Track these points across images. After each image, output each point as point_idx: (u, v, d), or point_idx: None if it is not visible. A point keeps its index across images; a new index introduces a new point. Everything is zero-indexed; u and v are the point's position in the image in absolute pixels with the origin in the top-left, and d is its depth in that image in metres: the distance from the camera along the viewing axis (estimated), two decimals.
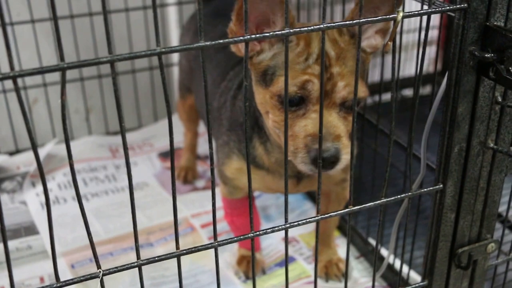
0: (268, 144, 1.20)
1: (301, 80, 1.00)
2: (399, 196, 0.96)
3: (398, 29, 0.88)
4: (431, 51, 2.26)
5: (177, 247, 0.84)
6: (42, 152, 1.94)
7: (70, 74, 2.03)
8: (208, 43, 0.71)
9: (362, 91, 1.05)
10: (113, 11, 1.99)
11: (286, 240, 0.90)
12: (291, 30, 0.76)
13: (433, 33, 2.20)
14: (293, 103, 1.02)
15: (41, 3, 1.92)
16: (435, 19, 2.11)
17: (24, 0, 1.89)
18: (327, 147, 0.99)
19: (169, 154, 2.04)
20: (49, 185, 1.84)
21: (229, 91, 1.31)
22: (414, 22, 2.17)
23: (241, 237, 0.88)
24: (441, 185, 0.98)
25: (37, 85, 1.99)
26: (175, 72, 2.13)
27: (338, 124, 1.02)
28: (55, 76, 1.97)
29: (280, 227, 0.88)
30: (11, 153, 2.03)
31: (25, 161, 1.97)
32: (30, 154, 2.00)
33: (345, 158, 1.01)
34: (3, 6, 1.80)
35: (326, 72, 1.00)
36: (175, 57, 2.16)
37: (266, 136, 1.19)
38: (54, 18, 0.64)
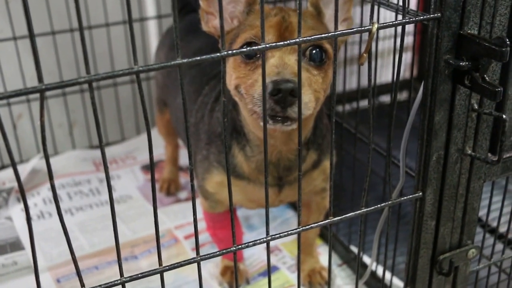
0: (247, 148, 1.17)
1: (257, 30, 1.01)
2: (379, 206, 0.95)
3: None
4: (406, 57, 2.26)
5: (160, 264, 0.82)
6: (27, 167, 1.91)
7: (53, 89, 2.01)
8: (185, 60, 0.69)
9: (324, 42, 1.02)
10: (94, 26, 1.97)
11: (268, 253, 0.88)
12: (267, 45, 0.74)
13: (409, 39, 2.20)
14: (250, 55, 1.01)
15: (24, 20, 1.88)
16: (410, 25, 2.11)
17: (6, 18, 1.85)
18: (284, 79, 0.93)
19: None
20: (34, 200, 1.81)
21: (206, 106, 1.30)
22: (389, 29, 2.17)
23: (224, 251, 0.86)
24: (420, 193, 0.96)
25: (21, 101, 1.96)
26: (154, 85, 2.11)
27: (296, 66, 0.97)
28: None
29: (262, 239, 0.86)
30: None
31: (10, 177, 1.93)
32: None
33: (306, 98, 0.97)
34: None
35: (284, 22, 1.01)
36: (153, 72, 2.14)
37: (245, 140, 1.17)
38: (31, 39, 0.62)
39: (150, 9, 2.10)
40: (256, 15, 1.06)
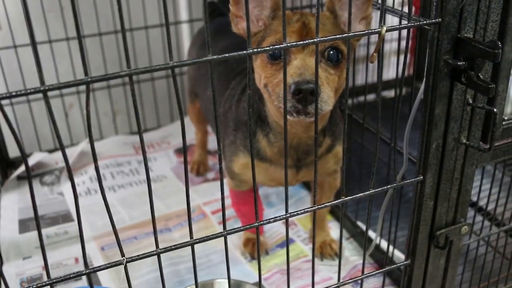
0: (271, 135, 1.16)
1: (281, 35, 0.97)
2: (385, 187, 0.94)
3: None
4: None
5: (191, 237, 0.82)
6: (76, 150, 1.92)
7: (100, 82, 2.02)
8: (215, 56, 0.69)
9: (340, 44, 1.00)
10: (135, 28, 1.97)
11: (287, 227, 0.88)
12: (289, 44, 0.73)
13: (404, 43, 2.17)
14: (276, 56, 1.00)
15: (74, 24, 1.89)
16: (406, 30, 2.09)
17: (60, 21, 1.86)
18: (306, 80, 0.92)
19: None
20: (82, 178, 1.82)
21: (233, 97, 1.29)
22: (390, 34, 2.15)
23: (247, 226, 0.85)
24: (421, 177, 0.95)
25: (71, 93, 1.98)
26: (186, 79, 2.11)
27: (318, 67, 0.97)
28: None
29: (282, 216, 0.85)
30: (50, 151, 2.00)
31: (62, 158, 1.94)
32: (67, 151, 1.97)
33: (325, 95, 0.95)
34: (44, 26, 1.79)
35: (305, 28, 1.00)
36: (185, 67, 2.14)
37: (268, 128, 1.16)
38: (79, 38, 0.61)
39: (183, 14, 2.10)
40: (280, 21, 1.04)
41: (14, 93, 0.59)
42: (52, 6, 1.86)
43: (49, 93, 1.89)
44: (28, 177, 0.69)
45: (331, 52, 0.99)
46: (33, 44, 0.60)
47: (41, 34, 1.85)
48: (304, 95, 0.92)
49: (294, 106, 0.94)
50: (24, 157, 0.67)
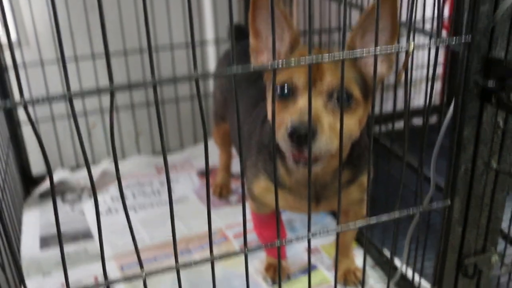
0: (288, 164, 1.17)
1: (290, 72, 0.99)
2: (411, 211, 0.93)
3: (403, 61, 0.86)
4: (436, 85, 2.23)
5: (211, 253, 0.83)
6: (98, 169, 1.95)
7: (123, 101, 2.05)
8: (239, 69, 0.70)
9: (351, 87, 0.99)
10: (160, 47, 2.01)
11: (309, 248, 0.88)
12: (314, 57, 0.74)
13: (438, 70, 2.17)
14: (284, 95, 1.00)
15: (101, 42, 1.93)
16: (441, 55, 2.09)
17: (86, 40, 1.91)
18: (303, 121, 0.91)
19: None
20: (103, 197, 1.84)
21: (259, 118, 1.30)
22: (421, 59, 2.15)
23: (269, 244, 0.86)
24: (449, 202, 0.94)
25: (95, 111, 2.01)
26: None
27: (320, 110, 0.96)
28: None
29: (304, 237, 0.85)
30: (73, 169, 2.04)
31: (84, 176, 1.98)
32: None
33: (323, 138, 0.93)
34: (70, 44, 1.84)
35: (315, 67, 0.98)
36: (212, 88, 2.17)
37: (286, 157, 1.17)
38: (106, 50, 0.64)
39: (209, 33, 2.14)
40: (297, 56, 1.03)
41: (40, 99, 0.61)
42: (79, 25, 1.91)
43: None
44: (52, 194, 0.71)
45: (340, 95, 0.98)
46: (62, 56, 0.62)
47: (67, 51, 1.90)
48: (299, 139, 0.91)
49: (290, 148, 0.94)
50: (50, 174, 0.69)
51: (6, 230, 0.73)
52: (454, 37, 0.84)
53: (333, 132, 0.95)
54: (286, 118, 0.95)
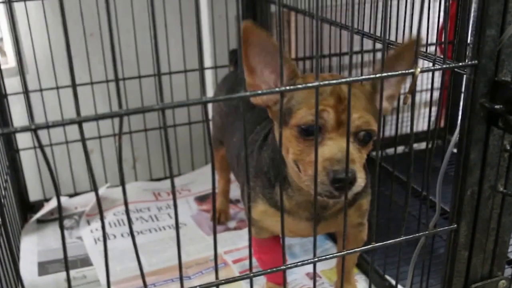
0: (289, 190, 1.15)
1: (314, 110, 0.95)
2: (417, 234, 0.92)
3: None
4: (436, 109, 2.23)
5: (216, 277, 0.81)
6: (95, 195, 1.92)
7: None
8: (248, 93, 0.69)
9: (374, 125, 0.99)
10: (163, 73, 2.00)
11: (314, 272, 0.86)
12: (321, 83, 0.74)
13: (437, 94, 2.17)
14: (310, 132, 0.97)
15: (99, 68, 1.93)
16: (439, 80, 2.09)
17: (85, 67, 1.90)
18: (343, 167, 0.91)
19: (204, 198, 2.00)
20: (100, 223, 1.81)
21: (255, 143, 1.29)
22: (421, 83, 2.15)
23: (274, 269, 0.84)
24: (455, 225, 0.93)
25: (93, 137, 1.99)
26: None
27: (353, 151, 0.96)
28: (108, 130, 1.98)
29: (309, 260, 0.83)
30: (70, 195, 2.01)
31: (81, 202, 1.96)
32: (86, 196, 2.00)
33: (360, 181, 0.95)
34: (68, 71, 1.83)
35: (341, 104, 0.96)
36: (210, 113, 2.17)
37: (287, 184, 1.15)
38: (116, 77, 0.63)
39: (208, 61, 2.14)
40: (309, 92, 0.98)
41: (51, 123, 0.60)
42: (77, 52, 1.90)
43: (70, 138, 1.93)
44: (60, 220, 0.69)
45: (365, 134, 0.99)
46: (73, 82, 0.62)
47: (65, 78, 1.89)
48: (343, 185, 0.91)
49: (330, 192, 0.94)
50: (58, 197, 0.67)
51: (13, 257, 0.71)
52: (461, 61, 0.83)
53: (362, 168, 0.97)
54: (317, 159, 0.92)
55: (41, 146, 0.62)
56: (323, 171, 0.93)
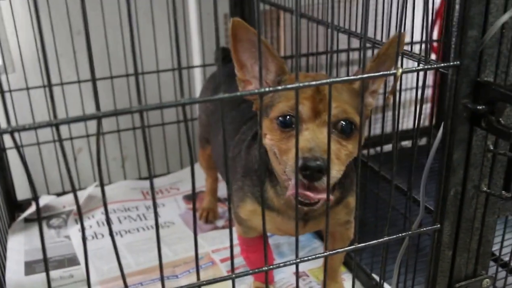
0: (278, 187, 1.15)
1: (293, 102, 0.97)
2: (401, 235, 0.92)
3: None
4: (426, 107, 2.23)
5: (198, 278, 0.80)
6: (84, 194, 1.91)
7: (109, 126, 2.03)
8: (226, 95, 0.68)
9: (353, 115, 0.99)
10: (146, 72, 1.99)
11: (297, 273, 0.86)
12: (301, 84, 0.73)
13: (428, 92, 2.17)
14: (287, 124, 0.99)
15: (86, 67, 1.91)
16: (429, 78, 2.09)
17: (72, 65, 1.89)
18: (315, 157, 0.91)
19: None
20: (89, 222, 1.81)
21: (243, 143, 1.28)
22: (410, 81, 2.15)
23: (256, 270, 0.83)
24: (439, 225, 0.93)
25: (81, 136, 1.98)
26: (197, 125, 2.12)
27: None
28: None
29: (292, 261, 0.83)
30: (58, 194, 2.00)
31: (69, 201, 1.95)
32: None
33: (335, 172, 0.94)
34: (56, 70, 1.82)
35: (318, 94, 0.97)
36: (197, 112, 2.16)
37: (276, 180, 1.15)
38: (93, 77, 0.62)
39: (196, 59, 2.13)
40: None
41: (27, 126, 0.59)
42: (65, 50, 1.89)
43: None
44: (38, 219, 0.68)
45: (344, 124, 0.98)
46: (49, 83, 0.61)
47: (54, 77, 1.88)
48: (311, 172, 0.90)
49: (300, 180, 0.93)
50: (36, 199, 0.66)
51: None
52: (443, 62, 0.83)
53: (340, 160, 0.96)
54: (292, 149, 0.94)
55: (18, 150, 0.61)
56: (294, 159, 0.92)
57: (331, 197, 0.96)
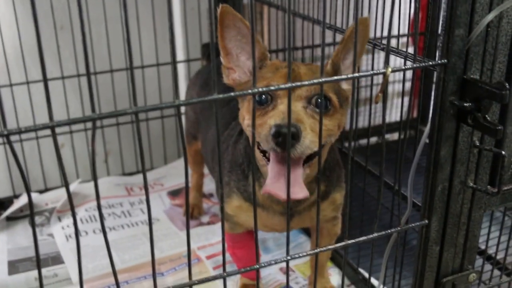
0: (261, 179, 1.16)
1: (268, 82, 1.02)
2: (389, 231, 0.93)
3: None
4: (408, 99, 2.26)
5: (190, 278, 0.81)
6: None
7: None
8: (220, 95, 0.70)
9: (327, 90, 1.01)
10: (135, 67, 1.98)
11: (287, 270, 0.87)
12: (293, 84, 0.74)
13: (408, 85, 2.20)
14: (262, 102, 1.02)
15: (70, 62, 1.91)
16: (410, 72, 2.11)
17: (56, 60, 1.88)
18: (286, 123, 0.91)
19: (177, 193, 1.98)
20: (72, 220, 1.80)
21: (231, 138, 1.29)
22: (392, 74, 2.18)
23: (248, 268, 0.84)
24: (426, 221, 0.95)
25: (64, 132, 1.97)
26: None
27: (301, 113, 0.98)
28: (80, 125, 1.96)
29: (282, 259, 0.84)
30: (41, 191, 1.99)
31: (52, 198, 1.94)
32: (57, 192, 1.98)
33: (307, 142, 0.94)
34: (39, 66, 1.81)
35: (293, 72, 1.01)
36: (183, 108, 2.16)
37: (259, 173, 1.16)
38: (88, 76, 0.62)
39: (180, 54, 2.13)
40: (268, 68, 1.07)
41: (23, 129, 0.60)
42: (48, 45, 1.88)
43: (41, 133, 1.90)
44: (31, 217, 0.68)
45: (319, 100, 0.99)
46: (45, 81, 0.61)
47: (37, 73, 1.87)
48: (283, 138, 0.91)
49: (273, 149, 0.95)
50: (29, 196, 0.67)
51: None
52: (430, 59, 0.85)
53: (314, 132, 0.97)
54: (267, 122, 0.97)
55: (13, 153, 0.61)
56: (268, 129, 0.95)
57: (308, 194, 0.97)
